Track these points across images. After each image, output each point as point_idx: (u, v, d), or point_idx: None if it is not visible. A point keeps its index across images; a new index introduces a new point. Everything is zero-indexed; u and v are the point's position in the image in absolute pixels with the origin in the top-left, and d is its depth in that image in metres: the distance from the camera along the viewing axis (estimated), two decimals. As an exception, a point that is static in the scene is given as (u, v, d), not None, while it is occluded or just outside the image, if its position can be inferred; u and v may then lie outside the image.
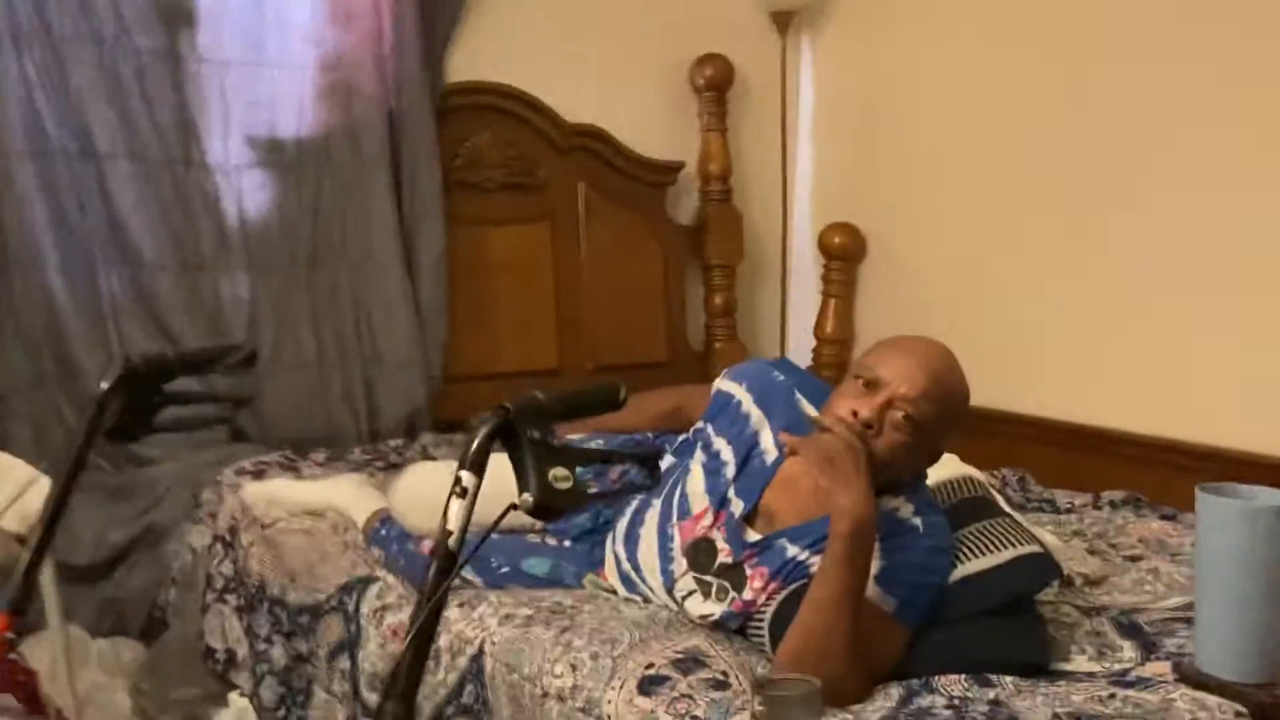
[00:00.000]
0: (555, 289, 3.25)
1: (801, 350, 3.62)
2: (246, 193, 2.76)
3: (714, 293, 3.54)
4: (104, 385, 1.20)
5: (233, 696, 2.31)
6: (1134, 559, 2.09)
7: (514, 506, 0.97)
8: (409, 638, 0.90)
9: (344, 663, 2.01)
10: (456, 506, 0.97)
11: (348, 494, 2.32)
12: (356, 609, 2.01)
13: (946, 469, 1.94)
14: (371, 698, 1.92)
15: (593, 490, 1.11)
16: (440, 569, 0.93)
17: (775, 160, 3.63)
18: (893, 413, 1.59)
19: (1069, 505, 2.48)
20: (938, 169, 3.22)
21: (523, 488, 0.97)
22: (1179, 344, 2.62)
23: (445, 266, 2.98)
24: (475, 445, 0.97)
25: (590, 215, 3.30)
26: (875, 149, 3.44)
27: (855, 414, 1.58)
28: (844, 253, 3.48)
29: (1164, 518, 2.35)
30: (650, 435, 2.08)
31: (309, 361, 2.84)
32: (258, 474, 2.54)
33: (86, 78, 2.54)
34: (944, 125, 3.20)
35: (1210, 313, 2.55)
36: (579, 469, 1.94)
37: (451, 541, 0.95)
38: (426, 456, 2.80)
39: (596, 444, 2.06)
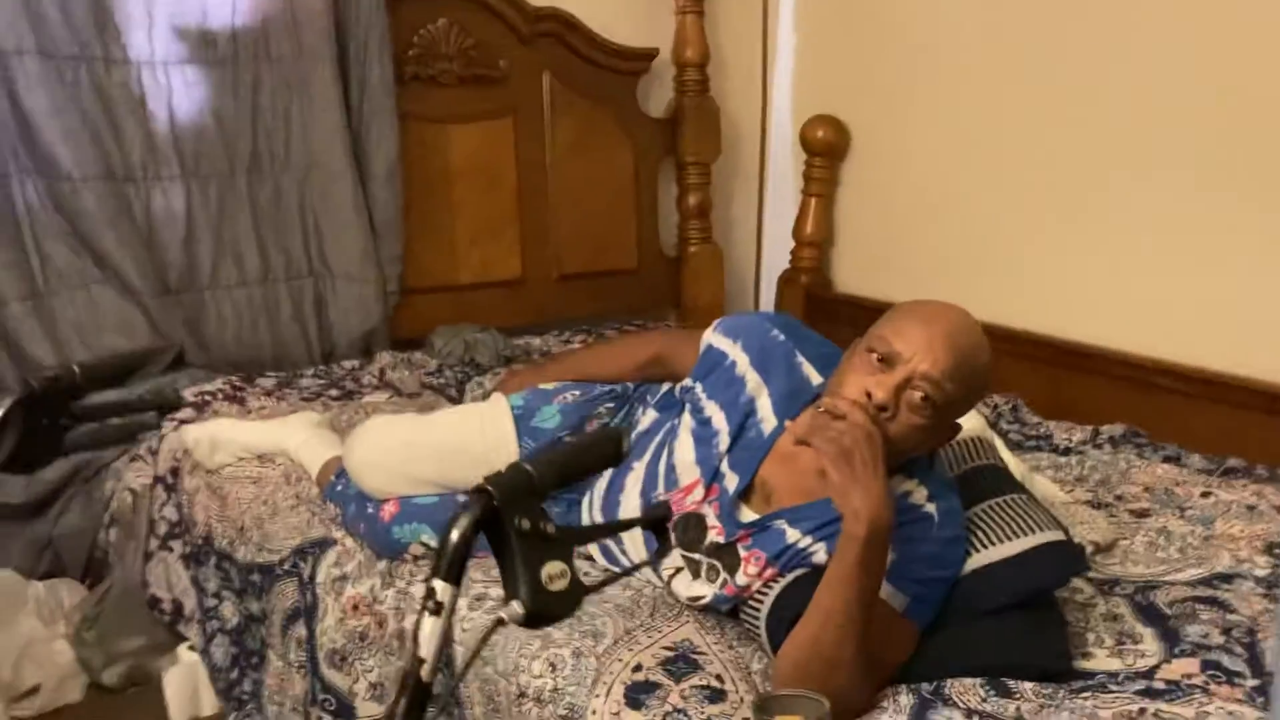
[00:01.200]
0: (518, 192, 3.01)
1: (779, 253, 3.44)
2: (176, 92, 2.47)
3: (688, 192, 3.31)
4: (-3, 413, 0.99)
5: (182, 650, 2.17)
6: (1141, 514, 1.98)
7: (501, 622, 0.80)
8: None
9: (300, 631, 1.87)
10: (430, 627, 0.79)
11: (299, 437, 2.14)
12: (312, 576, 1.85)
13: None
14: (331, 674, 1.78)
15: (589, 579, 0.91)
16: (412, 704, 0.76)
17: (755, 47, 3.37)
18: (910, 393, 1.42)
19: (1067, 443, 2.35)
20: (927, 59, 2.99)
21: (511, 593, 0.80)
22: (1169, 261, 2.47)
23: (399, 170, 2.73)
24: (452, 547, 0.78)
25: (556, 110, 3.05)
26: (861, 36, 3.19)
27: (869, 395, 1.40)
28: (827, 148, 3.26)
29: (1168, 460, 2.24)
30: (630, 385, 1.91)
31: (253, 279, 2.61)
32: (200, 406, 2.34)
33: (-18, -37, 2.23)
34: (934, 12, 2.95)
35: (1213, 229, 2.40)
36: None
37: (424, 672, 0.77)
38: (383, 379, 2.61)
39: (571, 394, 1.89)
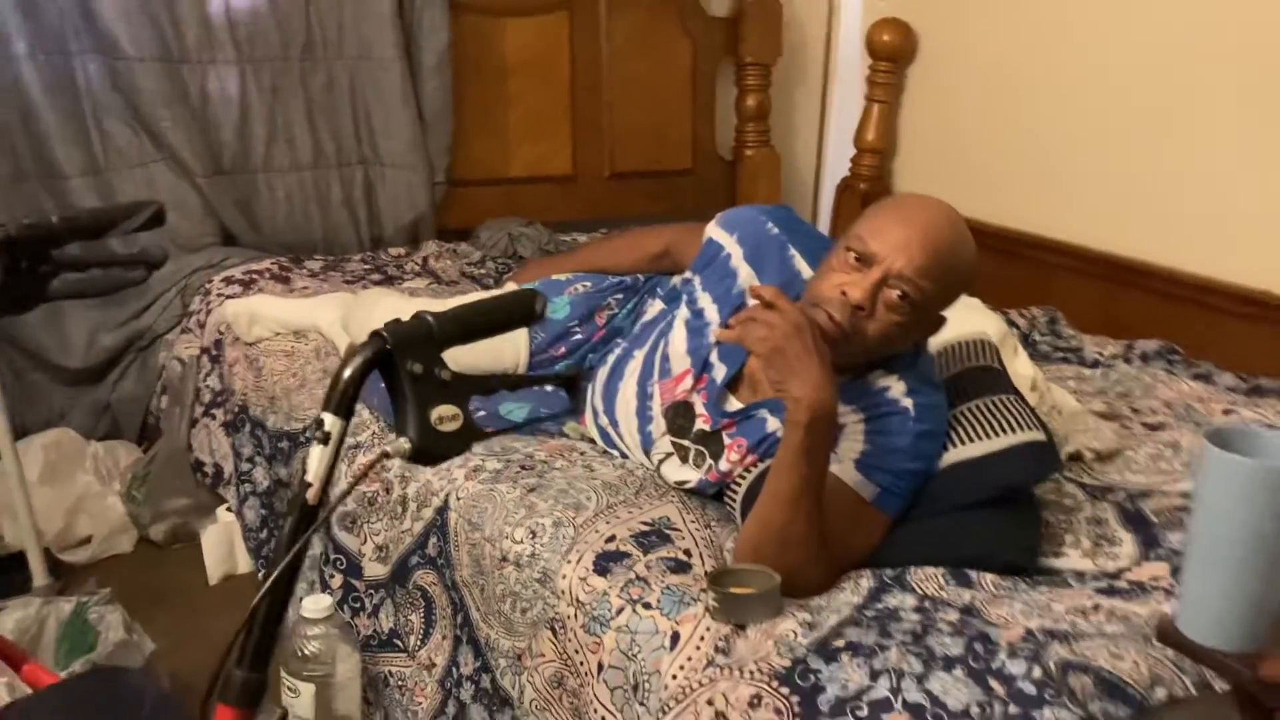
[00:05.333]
0: (571, 87, 3.02)
1: (840, 160, 3.39)
2: (231, -24, 2.54)
3: (747, 94, 3.28)
4: (-24, 254, 1.07)
5: (220, 511, 2.30)
6: (1155, 428, 1.95)
7: (386, 455, 0.85)
8: (258, 598, 0.80)
9: (319, 495, 1.96)
10: (317, 454, 0.85)
11: (331, 315, 2.22)
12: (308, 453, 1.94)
13: (958, 326, 1.77)
14: (342, 536, 1.88)
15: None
16: (297, 524, 0.82)
17: (823, -55, 3.29)
18: (887, 291, 1.42)
19: (1098, 356, 2.31)
20: (1001, -37, 2.89)
21: (400, 429, 0.85)
22: (1229, 178, 2.39)
23: (449, 61, 2.76)
24: (343, 383, 0.84)
25: (613, 5, 3.03)
26: (934, -64, 3.10)
27: (844, 293, 1.41)
28: (892, 53, 3.19)
29: (1198, 377, 2.19)
30: (640, 277, 1.94)
31: (305, 164, 2.68)
32: (248, 284, 2.45)
33: None
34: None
35: (1265, 148, 2.31)
36: (557, 318, 1.85)
37: (310, 495, 0.83)
38: (426, 267, 2.68)
39: (583, 285, 1.93)
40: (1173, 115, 2.49)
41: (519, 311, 0.91)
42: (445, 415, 0.83)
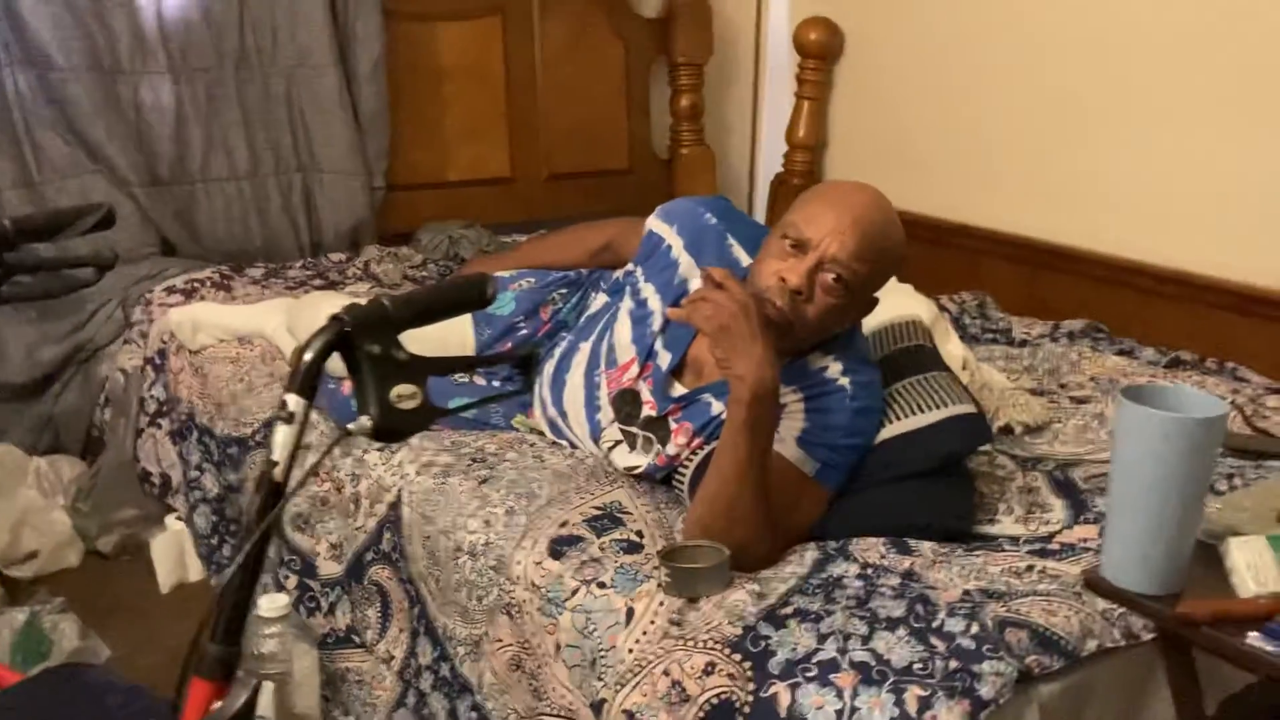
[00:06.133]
0: (507, 90, 3.06)
1: (773, 156, 3.46)
2: (163, -13, 2.54)
3: (680, 94, 3.34)
4: (-74, 258, 1.09)
5: (169, 520, 2.30)
6: (1081, 401, 2.03)
7: (348, 432, 0.88)
8: (231, 574, 0.83)
9: (270, 498, 1.98)
10: (282, 434, 0.88)
11: (276, 320, 2.23)
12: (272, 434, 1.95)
13: (891, 309, 1.84)
14: (296, 537, 1.90)
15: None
16: (265, 501, 0.85)
17: (749, -54, 3.36)
18: (823, 275, 1.48)
19: (1025, 336, 2.40)
20: (921, -39, 2.98)
21: (361, 408, 0.88)
22: (1149, 163, 2.50)
23: (384, 67, 2.78)
24: (305, 365, 0.87)
25: (545, 8, 3.08)
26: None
27: (783, 280, 1.47)
28: (820, 51, 3.26)
29: (1121, 353, 2.29)
30: (584, 272, 1.98)
31: (243, 173, 2.69)
32: (189, 292, 2.45)
33: None
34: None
35: (1182, 133, 2.42)
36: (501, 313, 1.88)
37: (277, 472, 0.86)
38: (367, 271, 2.70)
39: (527, 281, 1.97)
40: (1090, 104, 2.59)
41: (472, 294, 0.95)
42: (404, 394, 0.87)
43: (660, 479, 1.69)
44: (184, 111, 2.60)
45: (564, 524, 1.55)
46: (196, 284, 2.47)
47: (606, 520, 1.56)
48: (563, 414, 1.80)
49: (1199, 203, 2.41)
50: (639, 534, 1.53)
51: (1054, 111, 2.69)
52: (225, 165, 2.67)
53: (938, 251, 2.87)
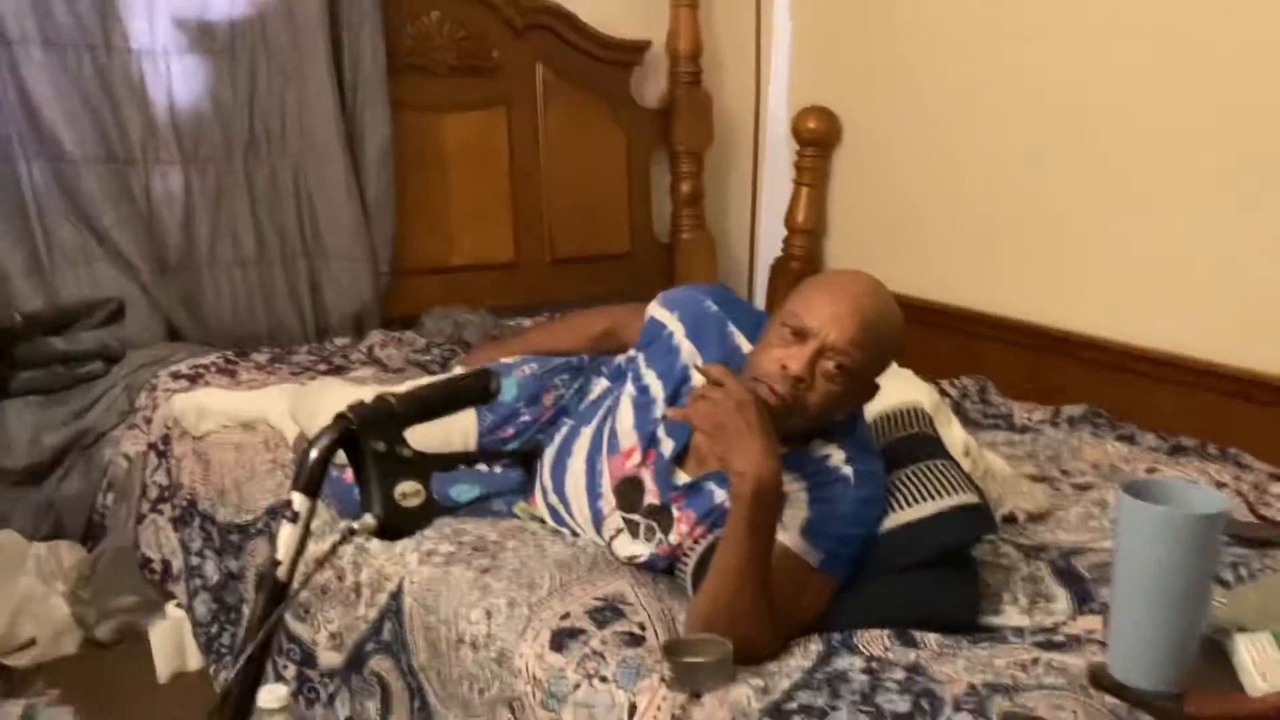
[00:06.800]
0: (511, 178, 3.11)
1: (772, 240, 3.51)
2: (176, 79, 2.59)
3: (681, 180, 3.40)
4: (-60, 354, 1.10)
5: (169, 608, 2.28)
6: (1083, 488, 2.03)
7: (352, 531, 0.89)
8: (235, 671, 0.83)
9: (271, 586, 1.97)
10: (286, 533, 0.88)
11: (280, 406, 2.24)
12: (277, 532, 1.95)
13: (892, 396, 1.85)
14: (296, 626, 1.88)
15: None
16: (269, 600, 0.85)
17: (749, 39, 3.44)
18: (824, 363, 1.49)
19: (1026, 422, 2.41)
20: (919, 53, 3.05)
21: (365, 506, 0.89)
22: (1147, 248, 2.53)
23: (391, 155, 2.83)
24: (310, 463, 0.88)
25: (549, 100, 3.14)
26: (855, 28, 3.26)
27: (784, 367, 1.48)
28: (818, 139, 3.33)
29: (1121, 438, 2.29)
30: (586, 358, 1.99)
31: (249, 259, 2.72)
32: (194, 378, 2.46)
33: (-9, -43, 2.35)
34: (925, 5, 3.01)
35: (1181, 218, 2.45)
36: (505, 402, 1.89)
37: (281, 572, 0.87)
38: (372, 356, 2.72)
39: (530, 368, 1.98)
40: (1088, 189, 2.63)
41: (476, 389, 0.96)
42: (409, 491, 0.87)
43: (663, 568, 1.68)
44: (192, 199, 2.64)
45: (566, 616, 1.54)
46: (201, 369, 2.48)
47: (609, 612, 1.55)
48: (564, 501, 1.80)
49: (1198, 287, 2.44)
50: (641, 626, 1.52)
51: (1053, 197, 2.73)
52: (232, 251, 2.70)
53: (937, 335, 2.89)
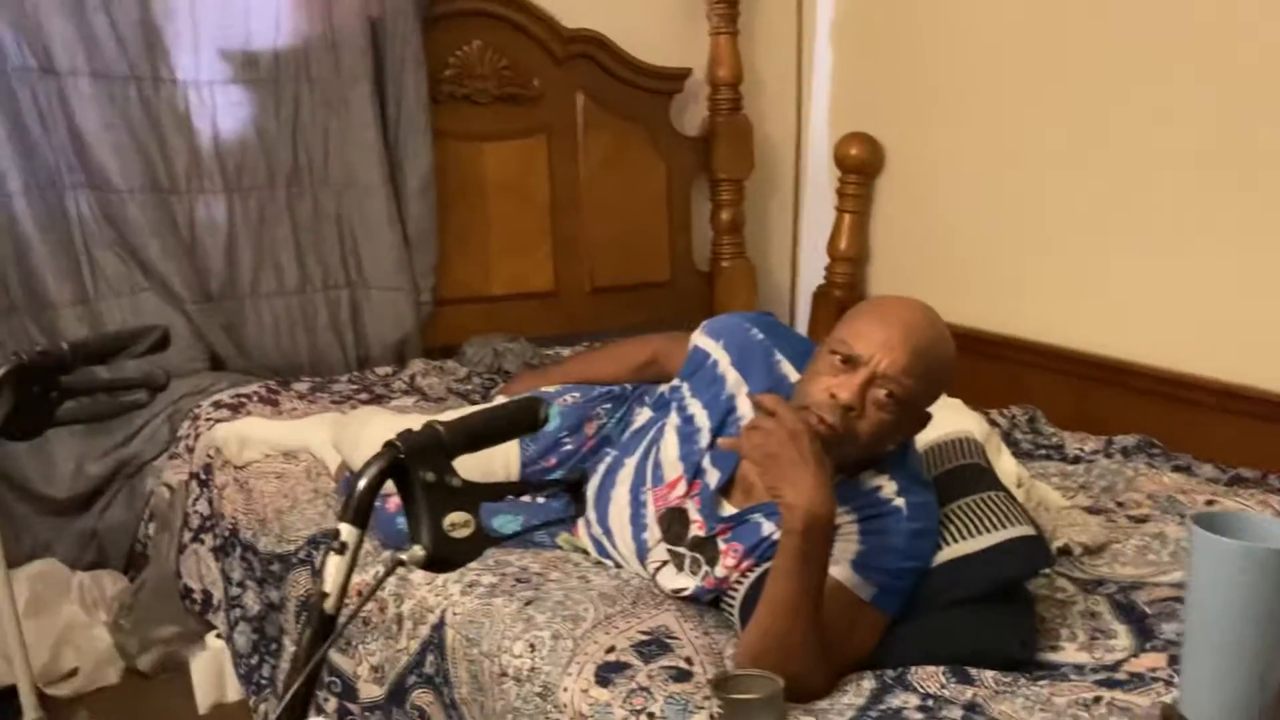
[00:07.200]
0: (552, 207, 3.10)
1: (814, 269, 3.47)
2: (220, 110, 2.61)
3: (721, 209, 3.37)
4: (-11, 382, 1.10)
5: (210, 638, 2.27)
6: (1139, 520, 1.98)
7: (401, 563, 0.87)
8: (282, 708, 0.81)
9: (312, 617, 1.95)
10: (334, 565, 0.86)
11: (321, 435, 2.23)
12: (324, 564, 1.93)
13: (942, 425, 1.81)
14: (337, 658, 1.86)
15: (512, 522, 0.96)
16: (316, 634, 0.83)
17: (790, 66, 3.42)
18: (874, 391, 1.46)
19: (1079, 452, 2.35)
20: (961, 76, 3.02)
21: (414, 538, 0.87)
22: (1199, 274, 2.47)
23: (433, 185, 2.83)
24: (358, 494, 0.86)
25: (589, 128, 3.13)
26: (897, 54, 3.22)
27: (834, 396, 1.45)
28: (860, 165, 3.29)
29: (1178, 469, 2.23)
30: (628, 386, 1.97)
31: (292, 289, 2.73)
32: (236, 407, 2.46)
33: (42, -10, 2.39)
34: (970, 29, 2.98)
35: (1234, 244, 2.39)
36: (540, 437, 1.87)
37: (328, 605, 0.85)
38: (413, 385, 2.71)
39: (572, 396, 1.96)
40: (1138, 215, 2.58)
41: (524, 418, 0.94)
42: (457, 522, 0.85)
43: (708, 601, 1.65)
44: (235, 229, 2.66)
45: (611, 649, 1.51)
46: (243, 399, 2.49)
47: (655, 646, 1.52)
48: (607, 532, 1.78)
49: (1250, 314, 2.37)
50: (688, 660, 1.49)
51: (1100, 222, 2.68)
52: (274, 281, 2.71)
53: (984, 365, 2.84)
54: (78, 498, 2.52)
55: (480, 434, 0.91)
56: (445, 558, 0.86)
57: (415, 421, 2.02)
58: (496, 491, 0.93)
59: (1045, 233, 2.82)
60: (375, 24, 2.73)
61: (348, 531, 0.86)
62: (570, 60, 3.07)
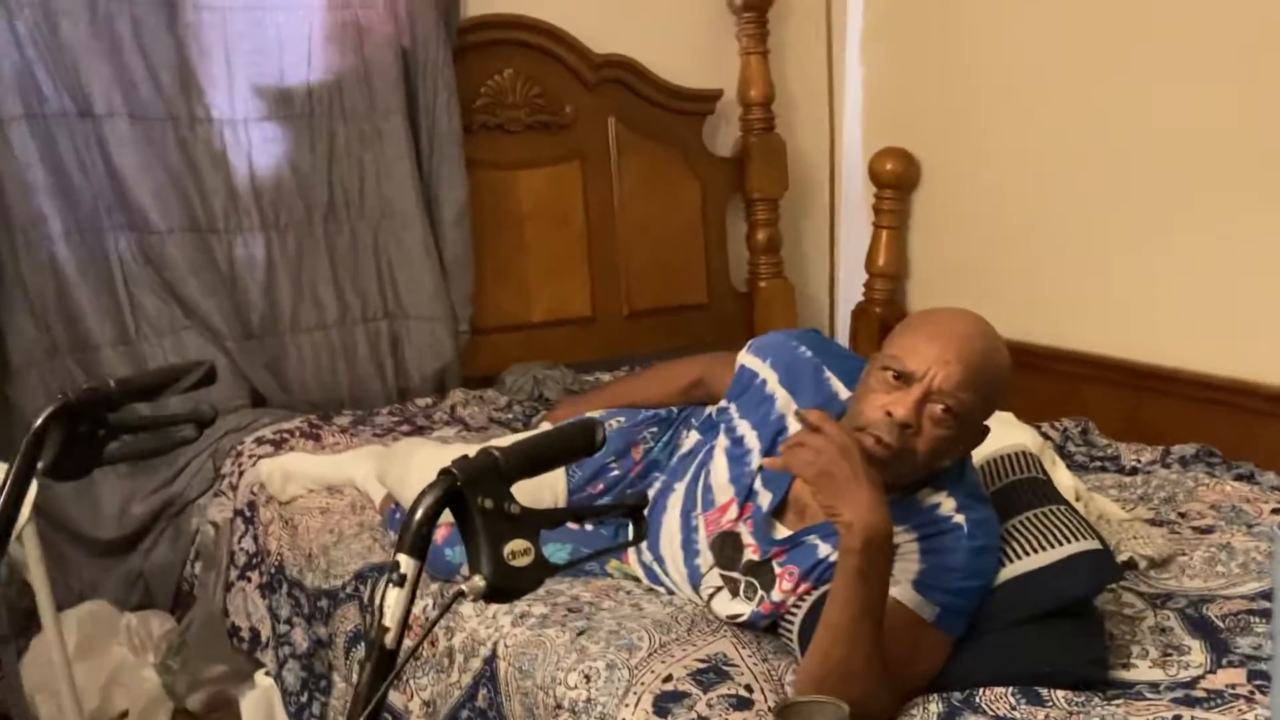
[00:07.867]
0: (587, 232, 3.09)
1: (853, 286, 3.44)
2: (256, 147, 2.62)
3: (757, 229, 3.35)
4: (37, 423, 1.09)
5: (259, 676, 2.25)
6: (1204, 531, 1.92)
7: (461, 594, 0.84)
8: (341, 751, 0.79)
9: (360, 652, 1.93)
10: (394, 598, 0.83)
11: (365, 469, 2.22)
12: (372, 599, 1.92)
13: (996, 440, 1.76)
14: (390, 695, 1.83)
15: (559, 554, 0.94)
16: (376, 670, 0.81)
17: (821, 83, 3.41)
18: (931, 407, 1.42)
19: (1135, 463, 2.30)
20: (996, 88, 2.98)
21: (474, 568, 0.84)
22: (1248, 277, 2.41)
23: (468, 215, 2.83)
24: (416, 523, 0.83)
25: (622, 152, 3.12)
26: (929, 67, 3.20)
27: (890, 414, 1.42)
28: (896, 180, 3.26)
29: (1240, 478, 2.17)
30: (675, 409, 1.94)
31: (331, 322, 2.73)
32: (279, 443, 2.45)
33: (79, 34, 2.40)
34: (1003, 41, 2.95)
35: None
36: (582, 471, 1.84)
37: (389, 640, 0.82)
38: (454, 415, 2.69)
39: (617, 421, 1.93)
40: (1184, 219, 2.53)
41: (581, 441, 0.92)
42: (517, 550, 0.83)
43: (765, 627, 1.61)
44: (274, 265, 2.66)
45: (668, 678, 1.47)
46: (286, 434, 2.48)
47: (712, 673, 1.48)
48: (659, 558, 1.74)
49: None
50: (748, 688, 1.45)
51: (1143, 229, 2.63)
52: (314, 315, 2.71)
53: (1032, 377, 2.77)
54: (123, 539, 2.52)
55: (537, 458, 0.89)
56: (506, 587, 0.83)
57: (459, 452, 2.01)
58: (556, 518, 0.90)
59: (1089, 242, 2.78)
60: (407, 55, 2.74)
61: (406, 563, 0.83)
62: (601, 85, 3.07)
